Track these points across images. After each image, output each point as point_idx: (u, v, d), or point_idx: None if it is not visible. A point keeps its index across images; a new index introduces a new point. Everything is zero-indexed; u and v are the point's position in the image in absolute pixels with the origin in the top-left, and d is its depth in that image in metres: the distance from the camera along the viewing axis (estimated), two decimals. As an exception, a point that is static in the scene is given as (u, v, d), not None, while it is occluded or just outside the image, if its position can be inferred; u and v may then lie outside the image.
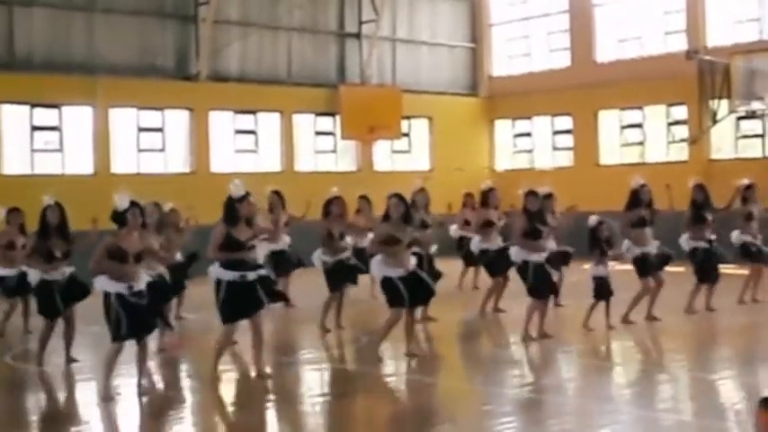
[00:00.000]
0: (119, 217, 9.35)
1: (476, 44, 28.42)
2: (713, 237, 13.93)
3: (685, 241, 13.95)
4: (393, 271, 10.84)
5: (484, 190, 15.27)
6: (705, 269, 13.85)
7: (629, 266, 13.47)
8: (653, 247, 13.25)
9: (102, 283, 9.22)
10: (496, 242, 14.66)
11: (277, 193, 15.54)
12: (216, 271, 9.87)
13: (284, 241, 15.33)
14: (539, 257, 12.12)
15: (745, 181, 14.70)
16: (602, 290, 12.63)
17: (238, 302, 9.81)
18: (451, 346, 12.98)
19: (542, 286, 12.16)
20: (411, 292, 10.85)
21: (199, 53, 23.07)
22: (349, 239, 13.95)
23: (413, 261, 11.06)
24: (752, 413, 4.47)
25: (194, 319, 14.69)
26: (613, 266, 12.70)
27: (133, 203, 9.40)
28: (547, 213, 14.45)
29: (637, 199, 13.34)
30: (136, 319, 9.16)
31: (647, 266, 13.19)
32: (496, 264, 14.38)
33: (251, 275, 9.80)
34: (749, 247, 14.62)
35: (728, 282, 14.65)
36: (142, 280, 9.37)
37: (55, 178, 20.27)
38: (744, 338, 12.64)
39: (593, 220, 12.71)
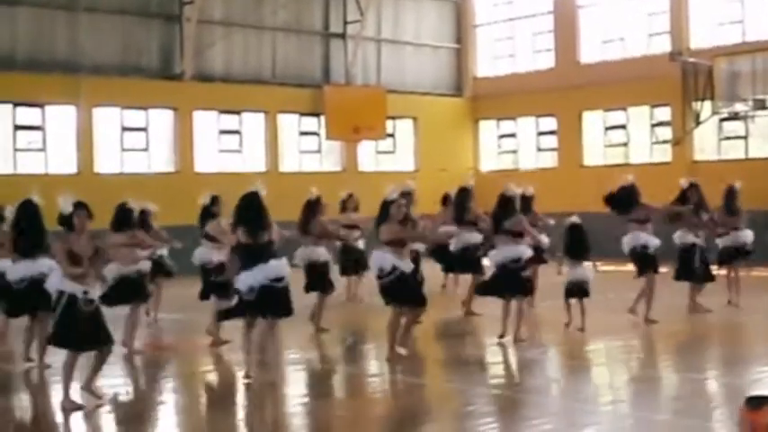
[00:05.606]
0: (65, 220, 8.93)
1: (460, 45, 28.46)
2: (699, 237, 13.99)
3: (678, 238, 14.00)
4: (403, 264, 10.65)
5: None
6: (690, 268, 13.88)
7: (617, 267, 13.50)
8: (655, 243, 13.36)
9: (57, 283, 8.80)
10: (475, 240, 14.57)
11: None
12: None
13: None
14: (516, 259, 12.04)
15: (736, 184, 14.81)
16: (574, 291, 12.59)
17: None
18: (434, 347, 12.97)
19: (521, 286, 12.10)
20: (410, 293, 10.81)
21: (183, 53, 23.02)
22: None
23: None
24: (736, 412, 4.49)
25: (174, 319, 14.65)
26: (589, 267, 12.68)
27: (79, 205, 8.95)
28: (529, 214, 14.50)
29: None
30: (79, 331, 8.75)
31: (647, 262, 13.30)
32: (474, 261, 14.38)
33: None
34: (731, 249, 14.67)
35: (715, 283, 14.65)
36: (96, 287, 9.02)
37: (38, 178, 20.18)
38: (729, 339, 12.71)
39: (568, 221, 12.68)
